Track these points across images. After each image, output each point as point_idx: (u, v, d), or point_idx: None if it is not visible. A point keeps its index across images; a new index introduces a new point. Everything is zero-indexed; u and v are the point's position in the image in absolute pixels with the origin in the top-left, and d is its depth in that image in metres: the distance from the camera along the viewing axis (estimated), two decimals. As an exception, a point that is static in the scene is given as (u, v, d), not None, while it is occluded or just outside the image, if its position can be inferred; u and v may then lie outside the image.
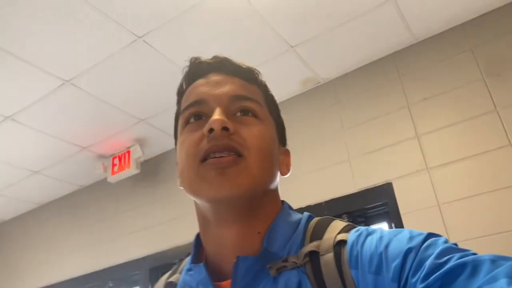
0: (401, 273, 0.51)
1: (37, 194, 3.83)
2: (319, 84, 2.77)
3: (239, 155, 0.61)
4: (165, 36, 2.27)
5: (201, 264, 0.64)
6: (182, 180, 0.66)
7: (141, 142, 3.21)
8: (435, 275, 0.48)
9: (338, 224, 0.65)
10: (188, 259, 0.72)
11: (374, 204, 2.35)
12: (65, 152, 3.23)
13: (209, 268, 0.64)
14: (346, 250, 0.59)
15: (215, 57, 0.72)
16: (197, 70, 0.72)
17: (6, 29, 2.10)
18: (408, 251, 0.53)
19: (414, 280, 0.49)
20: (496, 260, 0.46)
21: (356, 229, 0.62)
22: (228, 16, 2.20)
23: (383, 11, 2.25)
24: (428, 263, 0.49)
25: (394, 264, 0.52)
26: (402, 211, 2.20)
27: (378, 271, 0.54)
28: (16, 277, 3.90)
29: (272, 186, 0.67)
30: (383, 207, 2.36)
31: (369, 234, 0.59)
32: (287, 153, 0.76)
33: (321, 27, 2.33)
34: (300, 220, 0.69)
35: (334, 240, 0.61)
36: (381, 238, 0.57)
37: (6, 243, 4.18)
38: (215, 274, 0.64)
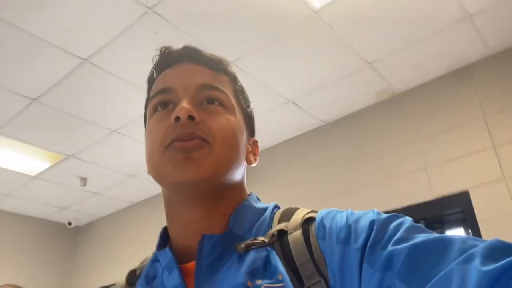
0: (367, 241, 0.52)
1: (133, 193, 4.29)
2: (394, 94, 2.91)
3: (204, 140, 0.62)
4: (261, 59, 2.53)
5: (167, 248, 0.65)
6: (150, 166, 0.66)
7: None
8: (402, 244, 0.48)
9: (305, 210, 0.65)
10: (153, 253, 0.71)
11: (451, 211, 2.47)
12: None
13: (175, 253, 0.65)
14: (314, 225, 0.60)
15: (185, 47, 0.72)
16: (167, 59, 0.72)
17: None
18: (376, 222, 0.53)
19: (379, 247, 0.50)
20: (466, 240, 0.45)
21: (325, 209, 0.63)
22: (314, 39, 2.41)
23: (460, 27, 2.35)
24: (396, 234, 0.50)
25: (362, 235, 0.53)
26: (479, 219, 2.32)
27: (346, 241, 0.54)
28: (116, 265, 4.40)
29: (238, 173, 0.68)
30: (459, 214, 2.48)
31: (339, 212, 0.60)
32: (255, 143, 0.76)
33: (398, 44, 2.47)
34: (267, 207, 0.70)
35: (302, 218, 0.61)
36: (351, 214, 0.58)
37: (105, 237, 4.72)
38: (181, 257, 0.64)
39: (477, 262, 0.40)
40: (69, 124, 3.05)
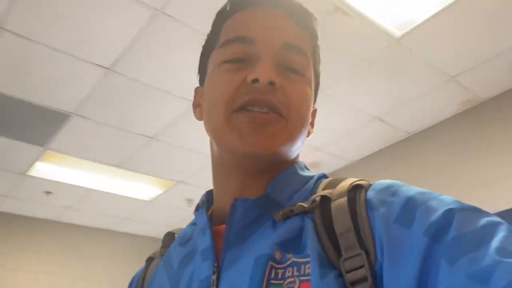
0: (441, 230, 0.44)
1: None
2: (479, 103, 2.99)
3: (279, 114, 0.56)
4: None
5: (203, 210, 0.62)
6: (209, 124, 0.61)
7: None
8: (508, 259, 0.38)
9: (355, 179, 0.57)
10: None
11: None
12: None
13: (213, 215, 0.63)
14: (364, 193, 0.52)
15: None
16: None
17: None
18: (457, 210, 0.45)
19: (467, 245, 0.41)
20: None
21: (385, 180, 0.55)
22: (397, 62, 2.61)
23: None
24: (495, 238, 0.41)
25: (434, 220, 0.45)
26: None
27: (408, 221, 0.46)
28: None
29: (300, 146, 0.63)
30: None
31: (403, 186, 0.52)
32: (314, 113, 0.69)
33: (480, 56, 2.58)
34: (313, 176, 0.63)
35: (350, 185, 0.54)
36: (422, 192, 0.50)
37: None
38: (219, 220, 0.61)
39: None
40: (181, 155, 3.50)
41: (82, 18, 2.22)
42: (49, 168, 3.66)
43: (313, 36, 0.66)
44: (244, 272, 0.51)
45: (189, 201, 4.32)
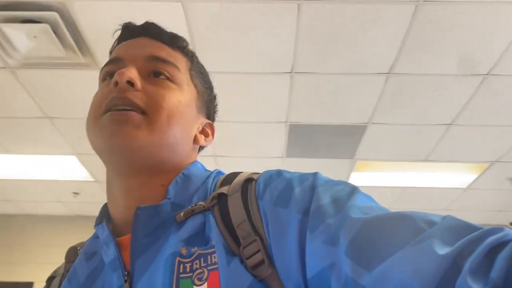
0: (309, 205, 0.50)
1: None
2: None
3: (141, 112, 0.60)
4: None
5: (103, 224, 0.62)
6: (87, 133, 0.64)
7: None
8: (355, 216, 0.46)
9: (248, 172, 0.62)
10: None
11: None
12: None
13: (114, 227, 0.63)
14: (253, 185, 0.57)
15: (146, 22, 0.71)
16: (126, 33, 0.71)
17: None
18: (320, 185, 0.53)
19: (324, 215, 0.48)
20: (423, 217, 0.43)
21: (270, 170, 0.60)
22: None
23: None
24: (346, 204, 0.48)
25: (304, 198, 0.52)
26: None
27: (285, 203, 0.52)
28: None
29: (180, 148, 0.65)
30: None
31: (282, 172, 0.58)
32: (210, 125, 0.74)
33: None
34: (210, 174, 0.66)
35: (243, 180, 0.59)
36: (295, 175, 0.56)
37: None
38: (120, 230, 0.62)
39: (434, 245, 0.38)
40: (486, 135, 3.25)
41: (352, 39, 2.43)
42: (363, 176, 4.03)
43: (187, 54, 0.71)
44: (156, 274, 0.54)
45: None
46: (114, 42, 0.73)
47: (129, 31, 0.71)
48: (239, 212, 0.56)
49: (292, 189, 0.54)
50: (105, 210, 0.67)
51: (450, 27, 2.30)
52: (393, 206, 4.53)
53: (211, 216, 0.57)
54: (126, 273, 0.56)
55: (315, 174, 0.56)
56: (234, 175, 0.63)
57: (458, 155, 3.56)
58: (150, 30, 0.70)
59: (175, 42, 0.70)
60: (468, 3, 2.15)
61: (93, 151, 0.63)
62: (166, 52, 0.68)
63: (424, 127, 3.21)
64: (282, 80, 2.74)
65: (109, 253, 0.59)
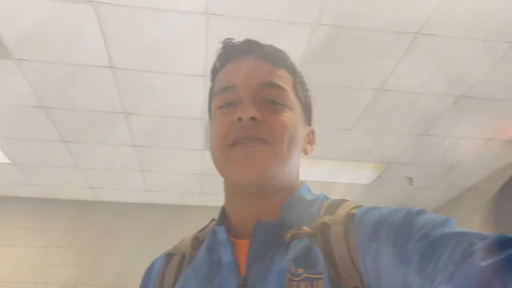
0: (398, 238, 0.55)
1: None
2: None
3: (264, 142, 0.67)
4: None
5: (222, 226, 0.70)
6: (214, 159, 0.72)
7: None
8: (423, 241, 0.51)
9: (350, 203, 0.69)
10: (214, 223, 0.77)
11: None
12: None
13: (229, 230, 0.71)
14: (354, 222, 0.62)
15: (246, 40, 0.75)
16: (230, 51, 0.75)
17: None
18: (408, 218, 0.57)
19: (408, 243, 0.53)
20: (476, 235, 0.48)
21: (366, 206, 0.65)
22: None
23: None
24: (422, 230, 0.53)
25: (393, 232, 0.56)
26: None
27: (378, 239, 0.57)
28: None
29: (294, 166, 0.72)
30: None
31: (376, 208, 0.63)
32: (311, 132, 0.80)
33: None
34: (317, 198, 0.74)
35: (346, 214, 0.65)
36: (388, 210, 0.61)
37: None
38: (235, 232, 0.71)
39: (477, 257, 0.43)
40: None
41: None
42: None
43: (290, 69, 0.76)
44: (269, 284, 0.61)
45: None
46: (216, 60, 0.77)
47: (231, 50, 0.75)
48: (340, 246, 0.61)
49: (383, 222, 0.59)
50: (223, 211, 0.75)
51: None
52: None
53: (315, 243, 0.63)
54: (241, 277, 0.64)
55: (409, 210, 0.59)
56: (337, 203, 0.70)
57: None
58: (254, 49, 0.74)
59: (279, 59, 0.75)
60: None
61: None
62: (274, 74, 0.72)
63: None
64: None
65: (226, 255, 0.67)
